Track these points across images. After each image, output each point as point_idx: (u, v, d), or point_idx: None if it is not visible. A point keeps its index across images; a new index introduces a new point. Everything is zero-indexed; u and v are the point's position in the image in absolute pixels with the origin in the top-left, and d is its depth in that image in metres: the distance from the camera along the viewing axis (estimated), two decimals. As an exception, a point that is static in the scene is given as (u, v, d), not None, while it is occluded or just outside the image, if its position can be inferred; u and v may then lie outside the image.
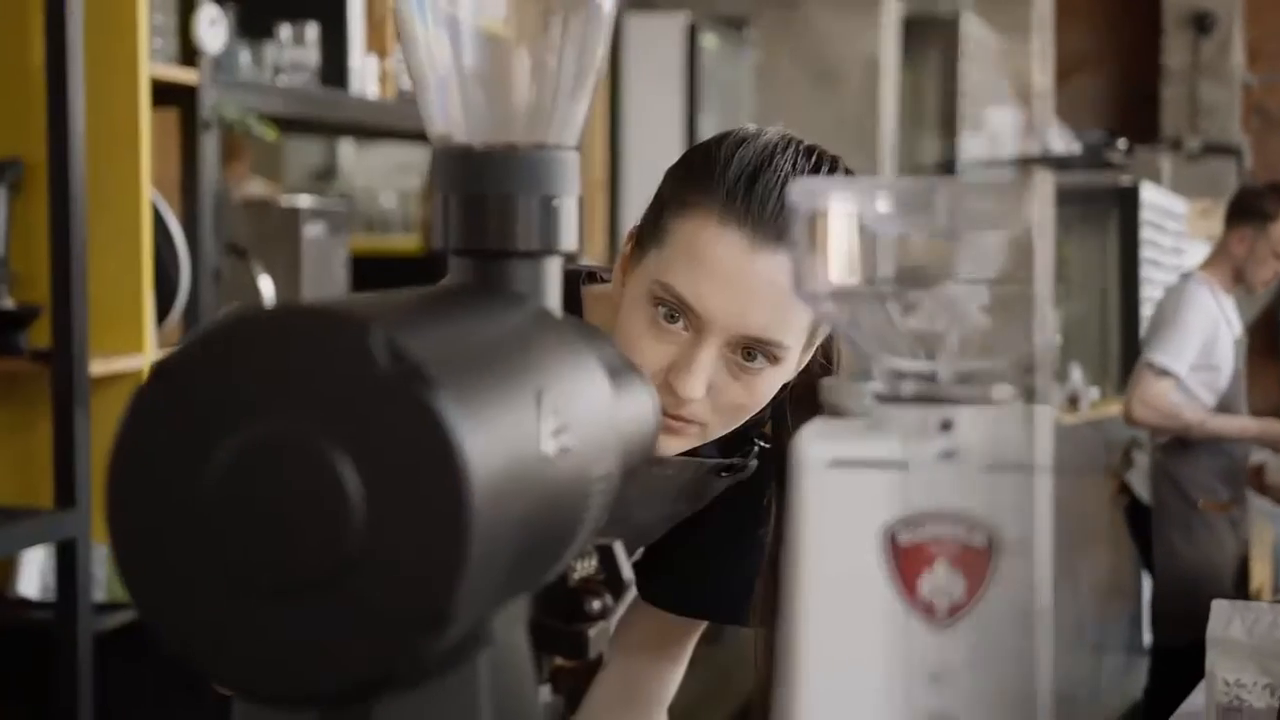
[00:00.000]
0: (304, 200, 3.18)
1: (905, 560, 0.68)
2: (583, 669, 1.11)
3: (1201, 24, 9.34)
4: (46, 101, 2.37)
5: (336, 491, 0.61)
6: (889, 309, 0.73)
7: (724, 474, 1.45)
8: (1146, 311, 7.34)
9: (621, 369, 0.86)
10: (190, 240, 2.63)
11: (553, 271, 0.83)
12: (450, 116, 0.83)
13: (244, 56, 2.90)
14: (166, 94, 2.63)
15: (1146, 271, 7.21)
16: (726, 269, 1.24)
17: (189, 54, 2.66)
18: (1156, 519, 4.33)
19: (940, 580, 0.68)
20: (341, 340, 0.61)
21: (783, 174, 1.26)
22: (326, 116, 3.14)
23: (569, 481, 0.71)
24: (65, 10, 2.36)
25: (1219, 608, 2.01)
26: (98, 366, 2.41)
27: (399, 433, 0.61)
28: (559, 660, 0.90)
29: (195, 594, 0.63)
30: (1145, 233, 7.17)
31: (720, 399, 1.29)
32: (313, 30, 3.02)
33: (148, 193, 2.49)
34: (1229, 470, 4.33)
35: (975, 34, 7.72)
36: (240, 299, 2.90)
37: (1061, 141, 6.03)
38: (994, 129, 5.66)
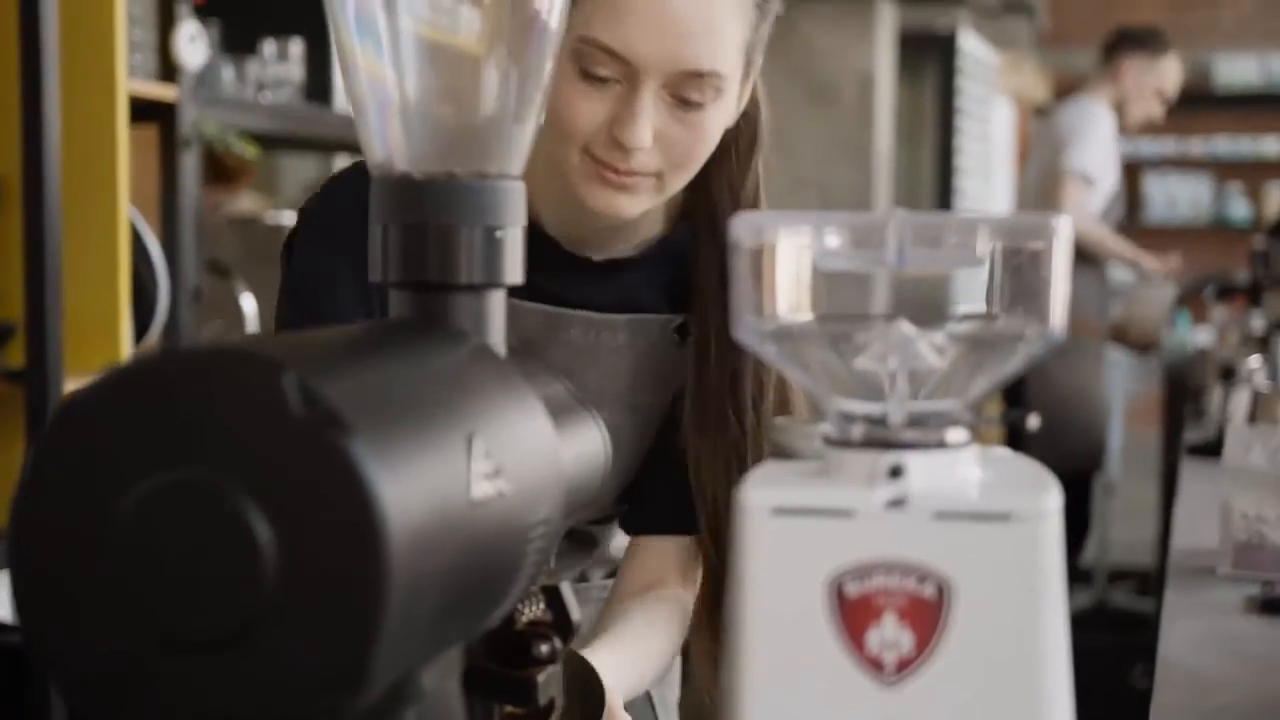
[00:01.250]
0: (290, 217, 3.15)
1: (852, 613, 0.65)
2: (532, 716, 1.08)
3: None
4: (21, 117, 2.34)
5: (247, 541, 0.58)
6: (837, 348, 0.70)
7: (680, 336, 1.41)
8: (961, 162, 7.39)
9: (568, 405, 0.83)
10: (170, 258, 2.60)
11: (496, 305, 0.80)
12: (390, 143, 0.80)
13: (227, 72, 2.87)
14: (146, 110, 2.60)
15: (958, 121, 7.27)
16: (646, 6, 1.21)
17: (169, 70, 2.64)
18: None
19: (888, 634, 0.65)
20: (254, 383, 0.58)
21: None
22: (310, 133, 3.11)
23: (504, 527, 0.68)
24: (41, 24, 2.33)
25: (1236, 433, 1.85)
26: (73, 386, 2.37)
27: (312, 481, 0.58)
28: (508, 708, 0.86)
29: (99, 645, 0.60)
30: (960, 82, 7.22)
31: (669, 146, 1.25)
32: (297, 46, 2.99)
33: (125, 209, 2.46)
34: (1104, 297, 4.35)
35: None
36: (222, 317, 2.87)
37: None
38: None
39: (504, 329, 0.80)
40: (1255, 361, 3.03)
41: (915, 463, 0.67)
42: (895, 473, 0.67)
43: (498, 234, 0.79)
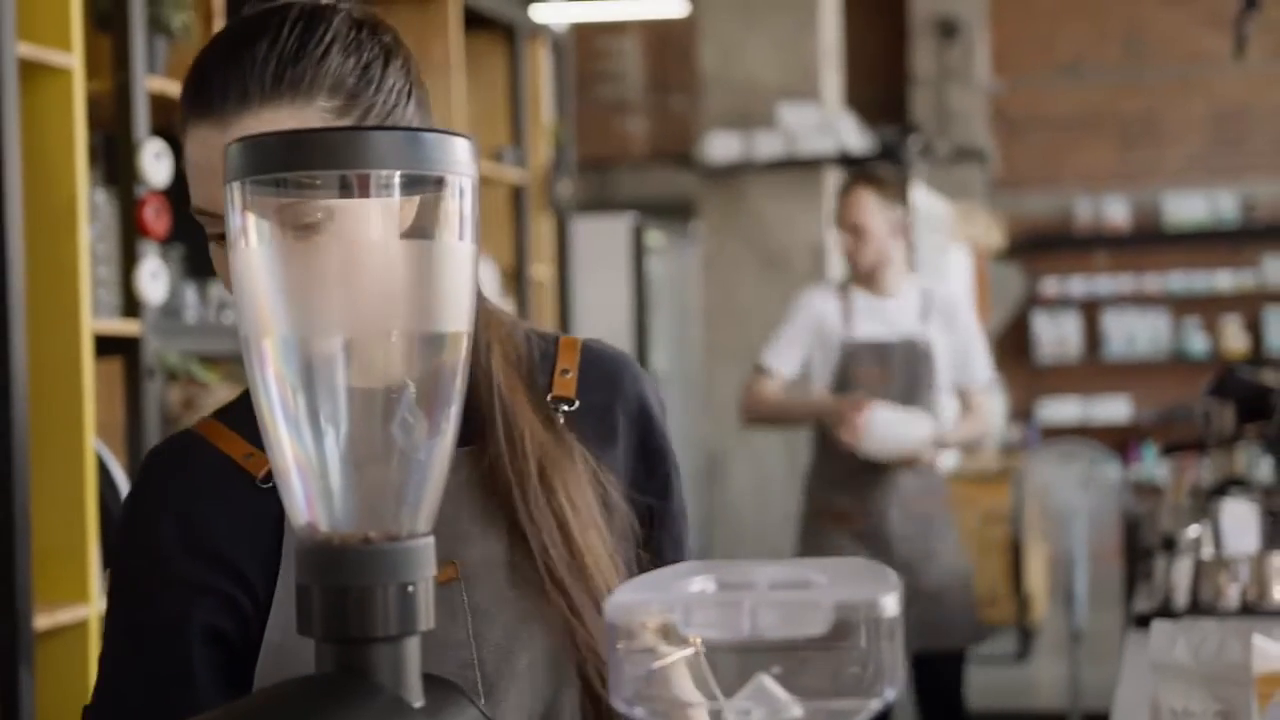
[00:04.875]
0: (252, 427, 3.23)
1: None
2: None
3: (947, 30, 9.66)
4: (-11, 359, 2.43)
5: None
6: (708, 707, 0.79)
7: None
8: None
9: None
10: (135, 484, 2.68)
11: (412, 650, 0.89)
12: (313, 509, 0.90)
13: (190, 295, 2.98)
14: (110, 345, 2.70)
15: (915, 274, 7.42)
16: (203, 160, 1.20)
17: (132, 305, 2.74)
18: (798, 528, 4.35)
19: None
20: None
21: (227, 43, 1.23)
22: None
23: None
24: (7, 267, 2.43)
25: (1160, 628, 1.91)
26: (42, 620, 2.44)
27: None
28: None
29: None
30: (914, 236, 7.38)
31: None
32: (256, 266, 3.10)
33: (91, 444, 2.55)
34: (842, 479, 4.23)
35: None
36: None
37: (856, 137, 5.95)
38: (789, 126, 5.63)
39: (419, 670, 0.89)
40: (1194, 530, 3.11)
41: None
42: None
43: (410, 589, 0.88)
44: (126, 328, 2.71)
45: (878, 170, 4.35)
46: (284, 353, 0.89)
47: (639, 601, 0.79)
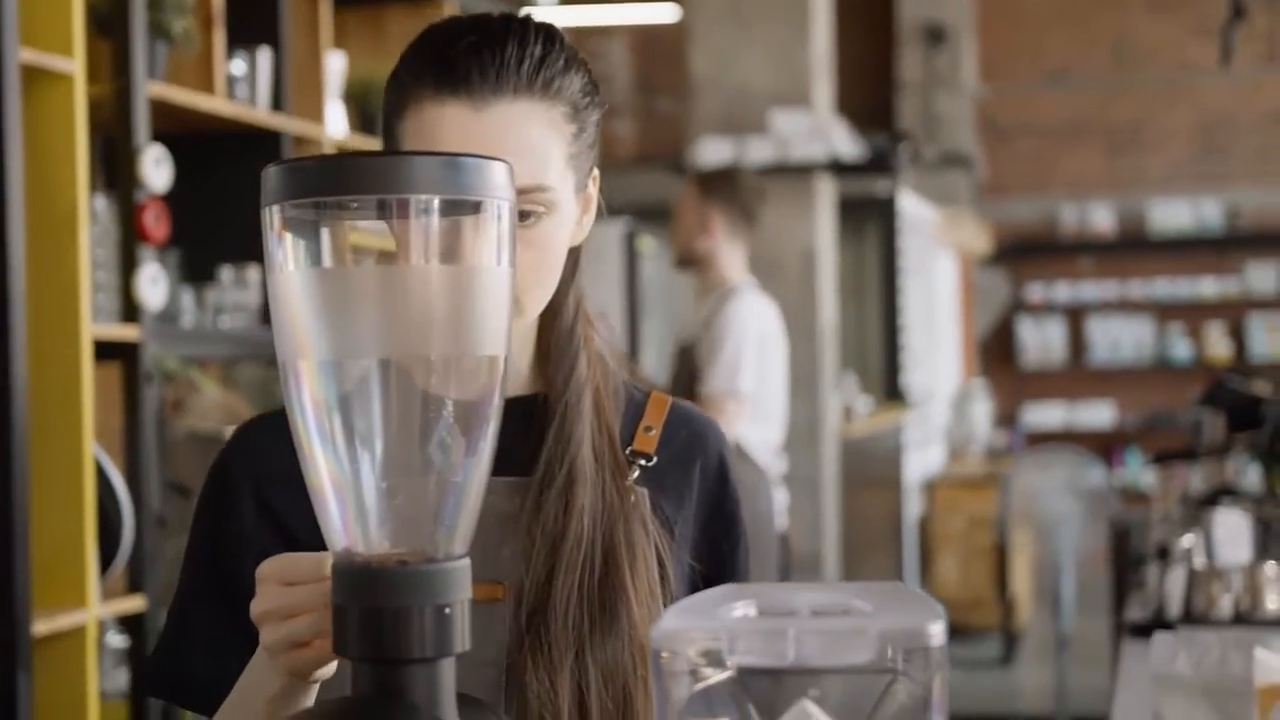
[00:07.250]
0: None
1: None
2: None
3: (935, 37, 9.71)
4: (-10, 364, 2.42)
5: None
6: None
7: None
8: (907, 319, 7.58)
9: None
10: (133, 489, 2.68)
11: (447, 671, 0.89)
12: (349, 532, 0.90)
13: (187, 299, 2.98)
14: (108, 349, 2.70)
15: (901, 279, 7.49)
16: (455, 138, 1.22)
17: (131, 310, 2.73)
18: None
19: None
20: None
21: (479, 32, 1.25)
22: (268, 355, 3.21)
23: None
24: (9, 273, 2.43)
25: (1161, 640, 1.90)
26: (41, 625, 2.43)
27: None
28: None
29: None
30: (901, 241, 7.44)
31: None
32: (255, 272, 3.11)
33: (90, 450, 2.54)
34: None
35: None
36: (184, 534, 2.94)
37: (848, 144, 6.02)
38: (780, 132, 5.70)
39: (454, 691, 0.89)
40: (1188, 541, 3.12)
41: None
42: None
43: (446, 610, 0.88)
44: (125, 333, 2.70)
45: (713, 174, 4.52)
46: (320, 375, 0.89)
47: (684, 628, 0.79)
